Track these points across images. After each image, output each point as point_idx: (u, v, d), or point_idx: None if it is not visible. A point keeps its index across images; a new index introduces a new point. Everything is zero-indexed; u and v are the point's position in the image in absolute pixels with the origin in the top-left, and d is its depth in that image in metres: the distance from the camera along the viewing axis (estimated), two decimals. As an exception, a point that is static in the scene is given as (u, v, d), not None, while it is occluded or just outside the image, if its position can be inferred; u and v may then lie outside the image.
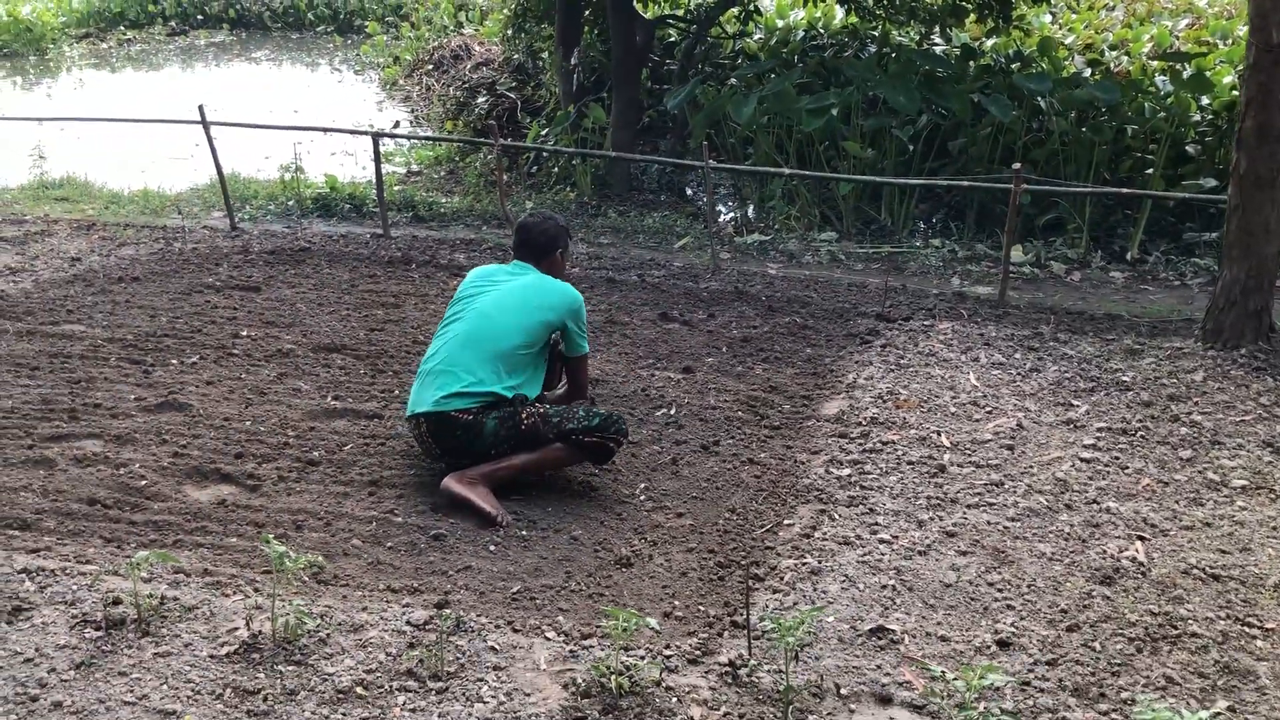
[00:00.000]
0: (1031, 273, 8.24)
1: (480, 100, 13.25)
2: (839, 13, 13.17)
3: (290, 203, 9.67)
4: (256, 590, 3.38)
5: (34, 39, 19.44)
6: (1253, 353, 5.87)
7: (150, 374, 5.29)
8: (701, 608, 3.50)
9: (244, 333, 5.91)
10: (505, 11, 13.69)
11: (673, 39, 12.73)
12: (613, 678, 2.90)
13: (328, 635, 3.13)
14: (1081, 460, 4.63)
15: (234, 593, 3.34)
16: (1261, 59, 5.68)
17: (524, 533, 3.95)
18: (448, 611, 3.25)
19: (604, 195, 10.42)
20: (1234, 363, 5.78)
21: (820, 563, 3.75)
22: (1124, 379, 5.60)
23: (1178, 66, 9.15)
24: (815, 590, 3.57)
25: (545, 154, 10.74)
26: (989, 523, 4.07)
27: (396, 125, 13.78)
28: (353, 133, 8.73)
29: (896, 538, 3.95)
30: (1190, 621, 3.45)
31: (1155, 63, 10.80)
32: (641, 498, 4.25)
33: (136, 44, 20.83)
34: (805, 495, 4.30)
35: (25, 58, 19.45)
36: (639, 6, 12.65)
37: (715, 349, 6.04)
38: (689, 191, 11.32)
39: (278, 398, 5.07)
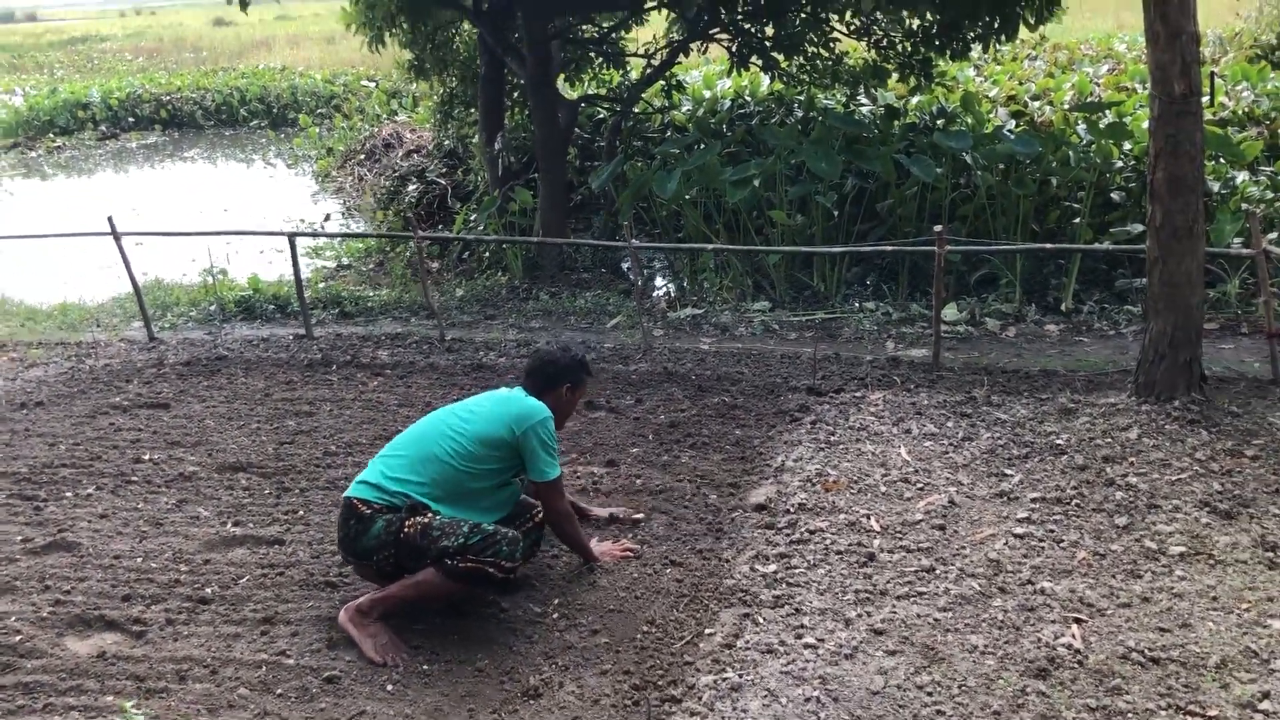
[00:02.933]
0: (966, 331, 8.13)
1: (410, 188, 13.14)
2: (765, 80, 13.25)
3: (212, 307, 9.43)
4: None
5: (-42, 151, 19.20)
6: (1186, 405, 5.75)
7: (41, 510, 5.02)
8: None
9: (146, 456, 5.65)
10: (434, 98, 13.66)
11: (602, 116, 12.73)
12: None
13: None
14: (1015, 536, 4.46)
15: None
16: (1166, 111, 5.64)
17: (425, 667, 3.70)
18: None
19: (536, 277, 10.28)
20: (1168, 416, 5.65)
21: (741, 676, 3.53)
22: (1058, 442, 5.45)
23: (1095, 116, 9.18)
24: (735, 710, 3.35)
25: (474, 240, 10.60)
26: (919, 615, 3.87)
27: (328, 218, 13.63)
28: (268, 234, 8.54)
29: (822, 640, 3.74)
30: (1130, 715, 3.25)
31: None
32: (554, 615, 4.01)
33: (67, 150, 20.65)
34: (728, 598, 4.08)
35: (-47, 170, 19.21)
36: (566, 87, 12.68)
37: (641, 437, 5.85)
38: (625, 267, 11.22)
39: (174, 528, 4.81)
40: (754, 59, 11.40)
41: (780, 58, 11.45)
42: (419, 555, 3.83)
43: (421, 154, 14.65)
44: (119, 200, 16.14)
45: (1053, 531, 4.51)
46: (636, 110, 12.51)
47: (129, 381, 7.11)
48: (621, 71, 13.85)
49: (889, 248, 7.67)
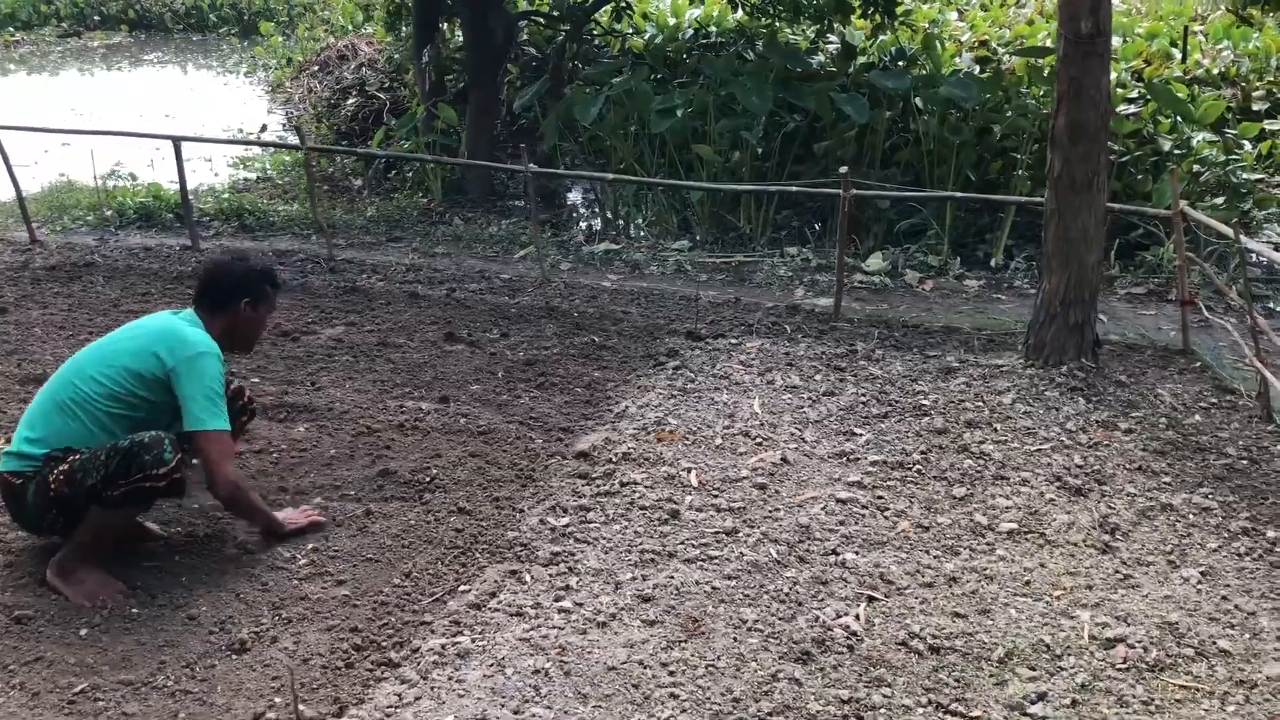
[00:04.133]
0: (882, 283, 7.72)
1: (349, 101, 12.63)
2: (736, 13, 12.65)
3: (109, 213, 9.01)
4: None
5: (-88, 42, 18.63)
6: (1072, 370, 5.38)
7: None
8: (305, 706, 2.92)
9: (-47, 363, 5.29)
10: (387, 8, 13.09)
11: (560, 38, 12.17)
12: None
13: None
14: (838, 501, 4.10)
15: None
16: (1071, 51, 5.19)
17: (135, 610, 3.36)
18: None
19: (456, 202, 9.84)
20: (1050, 382, 5.28)
21: (474, 641, 3.18)
22: (924, 402, 5.09)
23: (1037, 62, 8.68)
24: (450, 679, 3.01)
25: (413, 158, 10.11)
26: (698, 583, 3.52)
27: (264, 129, 13.11)
28: (152, 136, 8.08)
29: (580, 605, 3.39)
30: (880, 711, 2.91)
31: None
32: (303, 561, 3.66)
33: (25, 45, 20.04)
34: (503, 552, 3.73)
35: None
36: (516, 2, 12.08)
37: (489, 374, 5.48)
38: (570, 199, 10.76)
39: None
40: (719, -16, 10.84)
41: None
42: (77, 504, 3.38)
43: (374, 68, 14.11)
44: (62, 98, 15.62)
45: (881, 499, 4.16)
46: (594, 34, 11.97)
47: (-24, 283, 6.72)
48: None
49: (793, 188, 7.23)
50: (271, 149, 11.13)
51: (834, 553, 3.75)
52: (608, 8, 11.14)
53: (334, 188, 10.52)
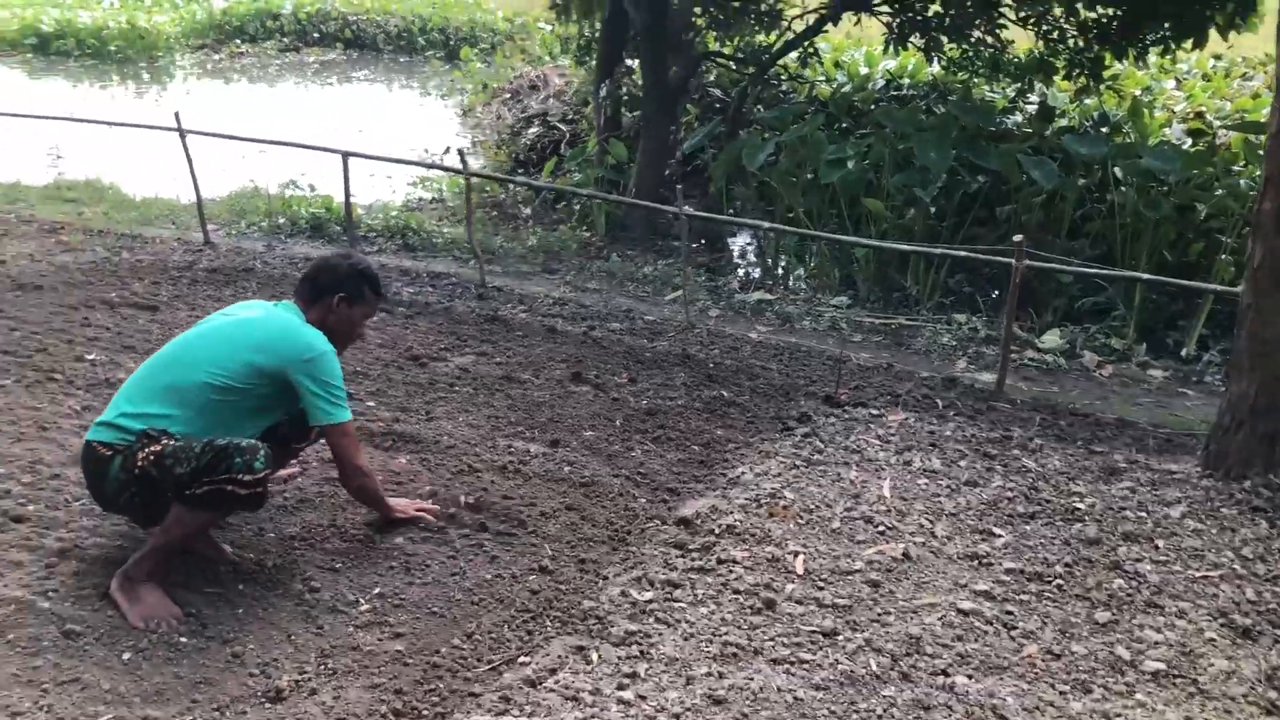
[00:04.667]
0: (1056, 362, 7.12)
1: (531, 130, 12.72)
2: (932, 66, 12.16)
3: (281, 221, 9.25)
4: None
5: (146, 46, 19.94)
6: (1257, 487, 4.73)
7: (-54, 394, 4.79)
8: (323, 770, 2.69)
9: (89, 356, 5.38)
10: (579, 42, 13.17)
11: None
12: None
13: None
14: (959, 612, 3.64)
15: None
16: (1287, 128, 4.58)
17: (183, 639, 3.21)
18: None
19: (618, 238, 9.68)
20: (1230, 498, 4.65)
21: (519, 724, 2.90)
22: (1079, 506, 4.54)
23: (1256, 139, 7.89)
24: (481, 767, 2.73)
25: (570, 192, 10.06)
26: (780, 690, 3.14)
27: (447, 150, 13.33)
28: (322, 149, 8.22)
29: (644, 699, 3.06)
30: None
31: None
32: (364, 607, 3.46)
33: (248, 57, 21.19)
34: (575, 623, 3.44)
35: (137, 64, 19.96)
36: (709, 40, 11.88)
37: (606, 420, 5.22)
38: (738, 244, 10.46)
39: (60, 435, 4.49)
40: (915, 38, 10.41)
41: (944, 40, 10.40)
42: (159, 488, 3.31)
43: (562, 99, 14.23)
44: (268, 108, 16.38)
45: (1009, 614, 3.67)
46: (780, 80, 11.69)
47: (140, 279, 6.92)
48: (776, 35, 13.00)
49: (961, 252, 6.72)
50: (440, 172, 11.23)
51: (944, 673, 3.30)
52: (796, 53, 10.86)
53: (502, 215, 10.55)
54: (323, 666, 3.14)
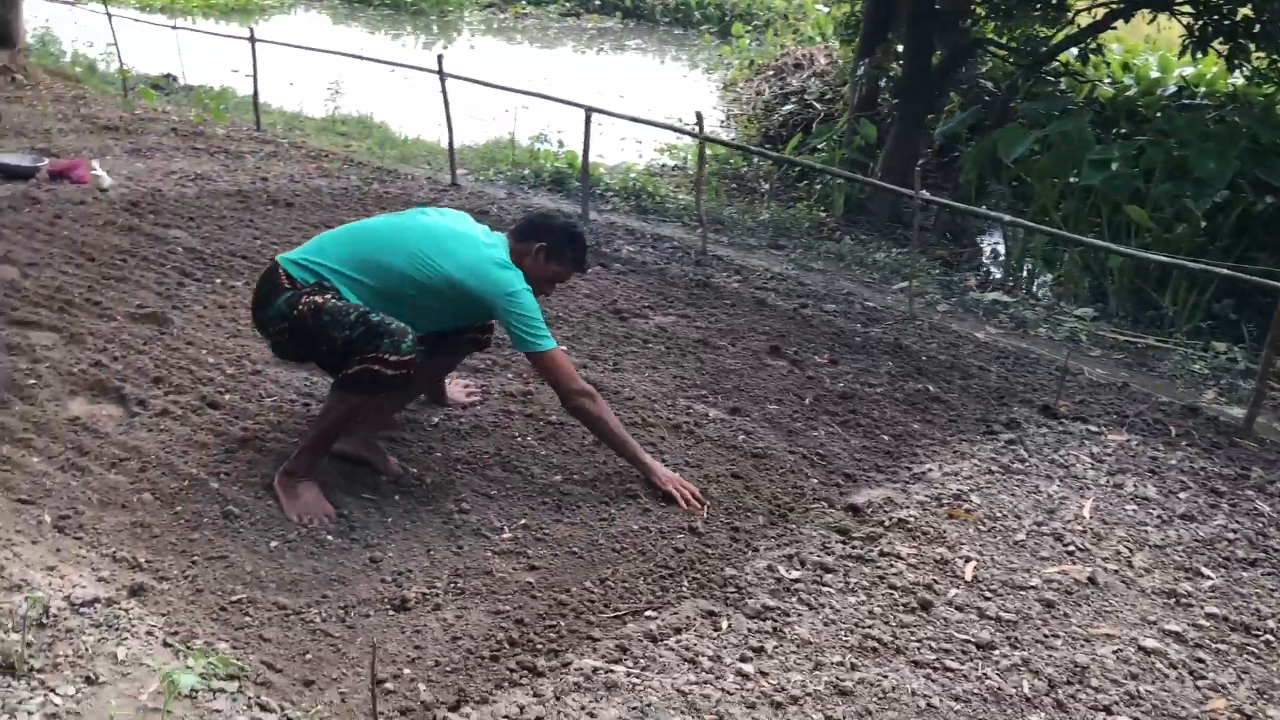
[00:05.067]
0: (1328, 406, 6.33)
1: (786, 108, 12.52)
2: (1234, 75, 11.08)
3: (526, 172, 9.49)
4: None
5: (439, 1, 20.99)
6: None
7: (183, 286, 5.15)
8: (425, 687, 2.69)
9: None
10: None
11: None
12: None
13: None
14: (1139, 649, 3.26)
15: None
16: None
17: (329, 537, 3.29)
18: (128, 603, 2.69)
19: (856, 221, 9.37)
20: None
21: (629, 676, 2.80)
22: (1312, 560, 4.00)
23: None
24: (581, 710, 2.65)
25: (814, 169, 9.81)
26: (914, 693, 2.90)
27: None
28: (567, 103, 8.33)
29: (765, 675, 2.90)
30: None
31: None
32: (507, 536, 3.45)
33: (530, 18, 21.97)
34: (713, 588, 3.31)
35: (429, 16, 21.07)
36: (986, 29, 11.29)
37: (795, 397, 5.02)
38: (984, 240, 9.92)
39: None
40: (1217, 43, 9.50)
41: (1251, 47, 9.43)
42: (309, 338, 3.44)
43: (825, 79, 13.96)
44: (542, 68, 16.88)
45: (1200, 661, 3.26)
46: (1059, 76, 10.96)
47: (382, 209, 7.23)
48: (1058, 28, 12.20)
49: (1221, 270, 6.05)
50: (683, 139, 11.20)
51: (1106, 710, 2.96)
52: (1076, 49, 10.14)
53: (741, 187, 10.45)
54: (453, 585, 3.14)
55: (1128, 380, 6.17)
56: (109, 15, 10.72)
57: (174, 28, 11.89)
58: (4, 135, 7.91)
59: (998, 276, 8.68)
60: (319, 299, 3.45)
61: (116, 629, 2.63)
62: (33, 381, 3.97)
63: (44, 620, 2.59)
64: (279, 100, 12.21)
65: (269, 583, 3.03)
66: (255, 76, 9.87)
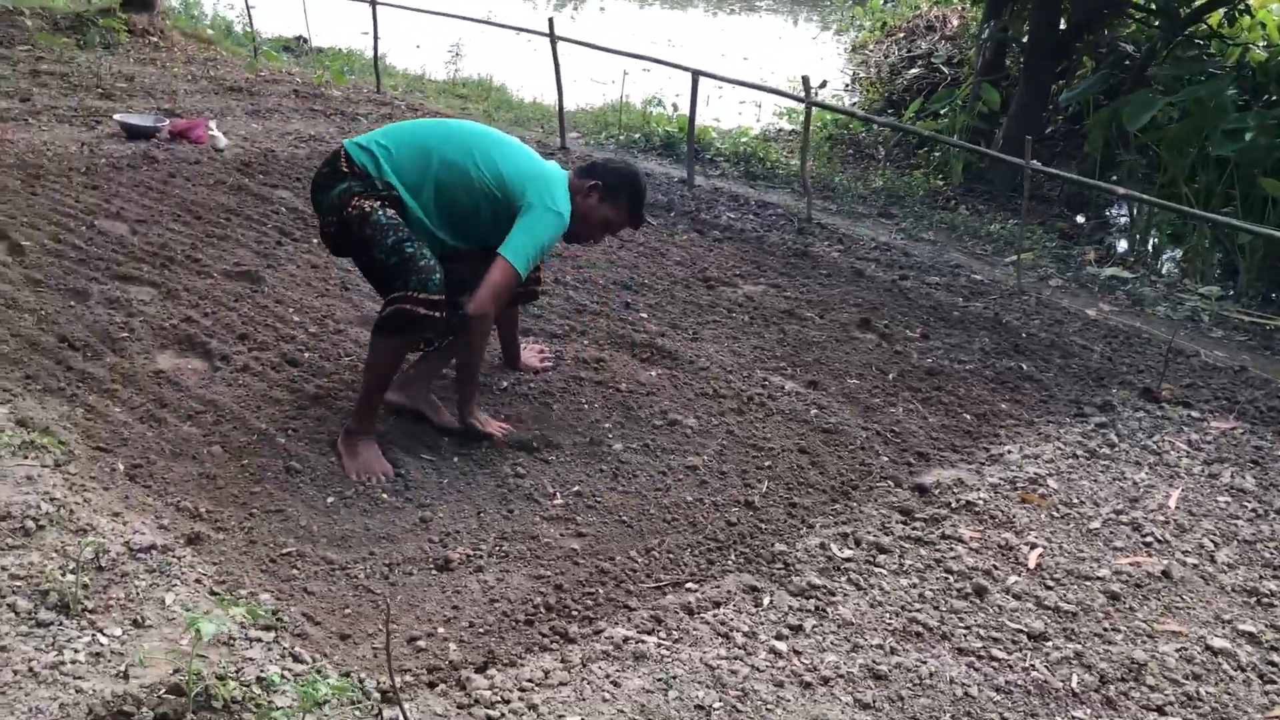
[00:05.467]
0: None
1: (911, 71, 12.16)
2: None
3: (636, 136, 9.47)
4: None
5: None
6: None
7: (280, 245, 5.32)
8: (455, 647, 2.74)
9: (409, 232, 5.79)
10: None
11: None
12: (205, 678, 2.30)
13: (34, 525, 2.83)
14: (1206, 648, 3.11)
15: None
16: None
17: (384, 495, 3.38)
18: (182, 551, 2.82)
19: (974, 190, 9.07)
20: None
21: (659, 648, 2.80)
22: None
23: None
24: (606, 679, 2.66)
25: (923, 137, 9.53)
26: (953, 681, 2.83)
27: (824, 84, 13.07)
28: (673, 65, 8.25)
29: (798, 654, 2.86)
30: None
31: None
32: (559, 501, 3.48)
33: (664, -20, 21.80)
34: (759, 563, 3.28)
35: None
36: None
37: (879, 372, 4.91)
38: (1110, 213, 9.48)
39: (359, 296, 4.86)
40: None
41: None
42: (351, 241, 3.56)
43: (952, 41, 13.50)
44: (667, 31, 16.77)
45: (1274, 666, 3.09)
46: (1205, 39, 10.35)
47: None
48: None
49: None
50: (779, 100, 10.97)
51: (1158, 710, 2.83)
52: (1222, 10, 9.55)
53: (858, 153, 10.22)
54: (497, 548, 3.19)
55: (1246, 364, 5.84)
56: (242, -23, 11.07)
57: (303, -10, 12.19)
58: (134, 95, 8.28)
59: (1121, 251, 8.29)
60: (368, 205, 3.50)
61: (168, 575, 2.75)
62: (126, 335, 4.17)
63: (101, 564, 2.73)
64: (404, 62, 12.45)
65: (320, 537, 3.13)
66: (375, 38, 10.07)
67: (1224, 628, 3.23)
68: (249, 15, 11.31)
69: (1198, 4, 9.36)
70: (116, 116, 7.25)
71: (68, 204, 5.59)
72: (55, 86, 8.26)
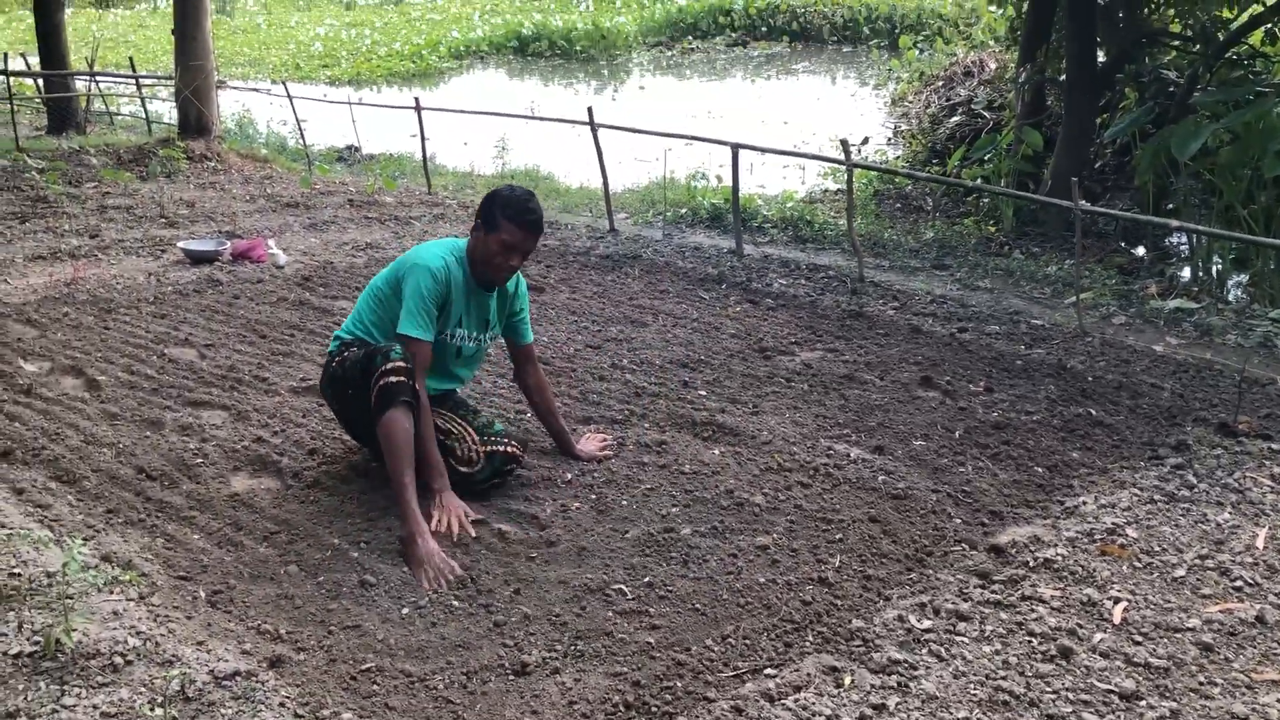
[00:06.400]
0: None
1: (953, 119, 12.18)
2: None
3: (684, 211, 9.58)
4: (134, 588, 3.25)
5: (607, 45, 21.49)
6: None
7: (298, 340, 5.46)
8: (536, 750, 2.75)
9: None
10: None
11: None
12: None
13: (122, 660, 2.90)
14: (1310, 698, 3.00)
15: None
16: None
17: (456, 602, 3.41)
18: (266, 675, 2.88)
19: (1027, 234, 9.01)
20: None
21: (737, 742, 2.78)
22: None
23: None
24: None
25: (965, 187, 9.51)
26: (1045, 753, 2.76)
27: (865, 141, 13.15)
28: (712, 141, 8.37)
29: (883, 734, 2.82)
30: None
31: None
32: (630, 596, 3.47)
33: (697, 53, 22.19)
34: (838, 642, 3.24)
35: (599, 61, 21.58)
36: (1169, 16, 10.65)
37: (944, 430, 4.86)
38: (1173, 243, 9.33)
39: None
40: None
41: None
42: (343, 389, 3.93)
43: (992, 86, 13.51)
44: (711, 102, 17.01)
45: (1382, 712, 2.97)
46: (1251, 60, 10.25)
47: (538, 263, 7.46)
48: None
49: None
50: (821, 162, 11.03)
51: (1264, 768, 2.73)
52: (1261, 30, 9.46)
53: (905, 206, 10.22)
54: (573, 648, 3.19)
55: (1327, 389, 5.68)
56: (290, 98, 11.49)
57: (349, 104, 12.63)
58: (195, 220, 8.60)
59: (1184, 281, 8.15)
60: (345, 354, 3.96)
61: (253, 701, 2.80)
62: (200, 460, 4.28)
63: (188, 694, 2.79)
64: (453, 160, 12.77)
65: (398, 650, 3.16)
66: (423, 141, 10.37)
67: (1326, 672, 3.12)
68: (300, 131, 11.71)
69: (1236, 26, 9.29)
70: (180, 244, 7.53)
71: (139, 335, 5.80)
72: (121, 220, 8.61)
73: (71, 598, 3.15)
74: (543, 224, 4.06)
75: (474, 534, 3.77)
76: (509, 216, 3.88)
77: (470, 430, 4.09)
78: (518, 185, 4.11)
